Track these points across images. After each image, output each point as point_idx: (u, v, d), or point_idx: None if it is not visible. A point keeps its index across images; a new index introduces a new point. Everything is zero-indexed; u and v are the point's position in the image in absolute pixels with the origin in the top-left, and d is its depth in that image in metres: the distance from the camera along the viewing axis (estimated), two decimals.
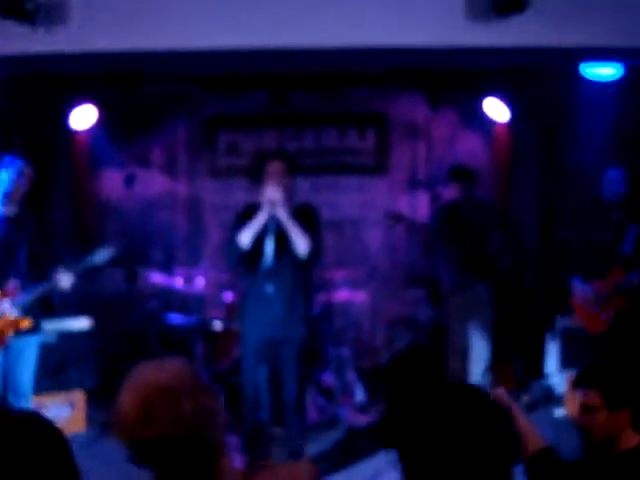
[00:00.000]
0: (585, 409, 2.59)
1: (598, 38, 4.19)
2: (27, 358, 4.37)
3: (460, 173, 5.94)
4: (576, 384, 2.66)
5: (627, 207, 5.01)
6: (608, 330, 4.90)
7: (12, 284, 4.23)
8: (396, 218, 6.72)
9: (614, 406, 2.55)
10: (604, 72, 4.97)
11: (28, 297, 4.24)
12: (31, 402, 4.45)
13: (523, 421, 2.35)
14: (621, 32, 4.20)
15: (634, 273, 4.77)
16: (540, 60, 4.51)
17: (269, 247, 4.22)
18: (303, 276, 4.43)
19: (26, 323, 4.24)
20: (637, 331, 4.71)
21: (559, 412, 5.30)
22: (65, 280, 4.26)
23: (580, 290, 5.16)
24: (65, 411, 5.19)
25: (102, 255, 4.41)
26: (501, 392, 2.24)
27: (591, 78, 5.07)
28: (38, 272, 4.32)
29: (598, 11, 4.15)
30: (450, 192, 5.95)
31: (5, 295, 4.21)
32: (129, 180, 7.32)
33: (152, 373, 1.75)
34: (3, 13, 3.75)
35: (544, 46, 4.06)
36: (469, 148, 7.21)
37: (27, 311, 4.25)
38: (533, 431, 2.41)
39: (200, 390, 1.74)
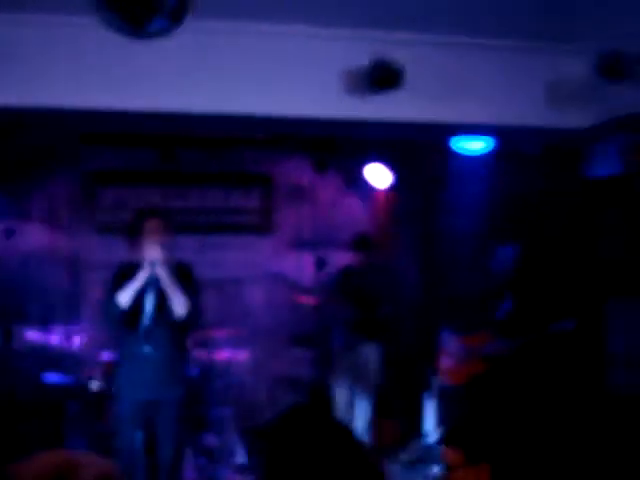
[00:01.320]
0: (448, 466, 2.70)
1: (469, 115, 4.48)
2: None
3: (363, 243, 6.22)
4: (439, 444, 2.78)
5: (511, 281, 5.30)
6: (465, 389, 5.13)
7: None
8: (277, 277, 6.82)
9: (474, 462, 2.68)
10: (474, 146, 5.28)
11: None
12: None
13: None
14: (491, 110, 4.50)
15: (500, 341, 5.02)
16: (414, 134, 4.75)
17: (148, 307, 4.19)
18: (180, 336, 4.41)
19: None
20: (492, 394, 4.93)
21: (436, 470, 5.42)
22: None
23: (448, 342, 5.41)
24: None
25: None
26: None
27: (462, 151, 5.37)
28: None
29: (469, 89, 4.44)
30: (350, 257, 6.20)
31: None
32: (7, 233, 7.10)
33: None
34: None
35: (417, 121, 4.30)
36: (352, 212, 7.43)
37: None
38: None
39: None
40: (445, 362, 5.48)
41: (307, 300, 6.74)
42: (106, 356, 5.94)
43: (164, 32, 3.39)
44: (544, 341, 4.93)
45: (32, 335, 6.28)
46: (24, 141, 6.78)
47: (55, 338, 6.17)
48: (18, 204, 7.13)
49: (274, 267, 7.31)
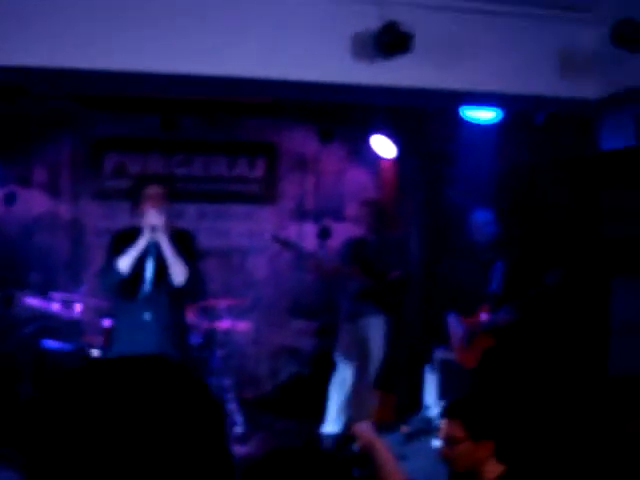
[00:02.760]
0: (449, 440, 2.65)
1: (479, 83, 4.38)
2: None
3: (372, 207, 6.15)
4: (441, 416, 2.73)
5: (496, 246, 5.22)
6: (478, 366, 5.08)
7: None
8: (283, 243, 6.74)
9: (477, 437, 2.63)
10: (484, 115, 5.18)
11: None
12: None
13: (386, 454, 2.39)
14: (501, 78, 4.40)
15: (501, 311, 4.96)
16: (422, 101, 4.66)
17: (148, 273, 4.15)
18: (179, 303, 4.37)
19: None
20: (502, 368, 4.89)
21: (437, 443, 5.40)
22: None
23: (453, 326, 5.34)
24: None
25: None
26: (366, 427, 2.27)
27: (471, 120, 5.27)
28: None
29: (480, 57, 4.34)
30: (356, 227, 6.14)
31: None
32: (9, 199, 7.05)
33: None
34: None
35: (426, 88, 4.20)
36: (357, 182, 7.36)
37: None
38: (395, 465, 2.44)
39: None
40: (454, 347, 5.41)
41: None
42: (107, 323, 5.90)
43: None
44: (542, 297, 4.87)
45: (33, 302, 6.24)
46: (26, 105, 6.70)
47: (56, 305, 6.12)
48: (19, 170, 7.07)
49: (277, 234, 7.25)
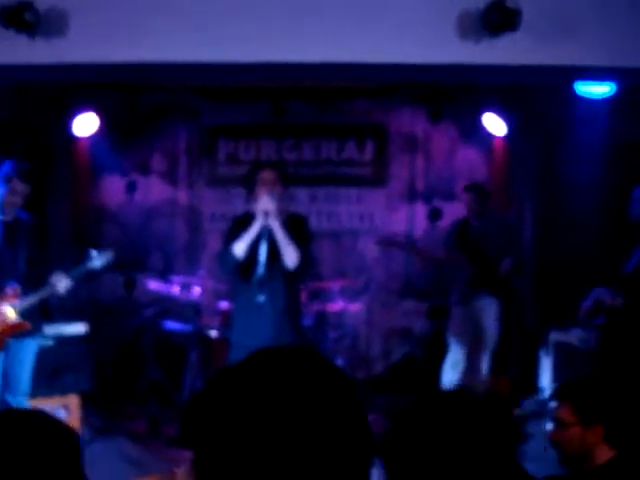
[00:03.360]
0: (559, 424, 2.63)
1: (590, 58, 4.24)
2: (26, 360, 4.45)
3: (478, 192, 6.06)
4: (551, 399, 2.71)
5: None
6: (596, 347, 4.94)
7: (11, 289, 4.30)
8: (389, 244, 6.76)
9: (588, 421, 2.59)
10: (597, 90, 5.02)
11: (27, 301, 4.31)
12: (28, 404, 4.51)
13: None
14: (613, 52, 4.24)
15: (622, 294, 4.78)
16: (533, 78, 4.55)
17: (262, 257, 4.26)
18: (293, 286, 4.48)
19: (26, 327, 4.30)
20: (619, 349, 4.74)
21: (550, 426, 5.31)
22: (62, 284, 4.33)
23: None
24: (60, 415, 5.23)
25: (100, 260, 4.49)
26: None
27: (584, 95, 5.12)
28: (37, 277, 4.40)
29: (590, 31, 4.20)
30: (465, 206, 6.07)
31: (5, 299, 4.28)
32: (130, 187, 7.38)
33: None
34: (4, 23, 3.81)
35: (536, 65, 4.11)
36: (468, 162, 7.27)
37: (26, 315, 4.32)
38: None
39: None
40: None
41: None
42: (224, 305, 6.12)
43: None
44: None
45: (153, 285, 6.53)
46: (146, 98, 6.99)
47: (175, 288, 6.37)
48: (139, 159, 7.38)
49: (387, 221, 7.27)
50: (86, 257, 4.50)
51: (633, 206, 4.98)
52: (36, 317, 4.42)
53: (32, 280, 4.39)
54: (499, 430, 1.66)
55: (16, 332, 4.29)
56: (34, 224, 4.58)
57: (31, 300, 4.32)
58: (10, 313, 4.26)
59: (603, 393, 2.67)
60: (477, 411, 1.70)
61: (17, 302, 4.30)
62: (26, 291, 4.34)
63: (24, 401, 4.45)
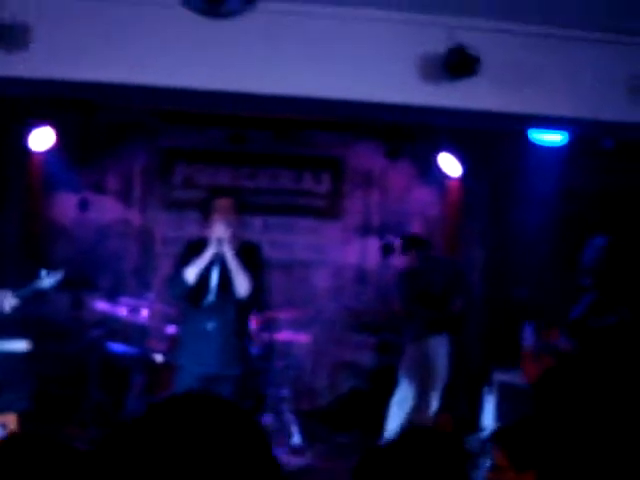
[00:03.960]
0: (494, 467, 2.65)
1: (545, 106, 4.36)
2: None
3: (415, 243, 6.14)
4: (489, 442, 2.73)
5: (598, 275, 5.09)
6: (536, 385, 5.00)
7: None
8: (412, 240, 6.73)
9: (520, 467, 2.60)
10: (551, 138, 5.15)
11: None
12: None
13: None
14: (568, 102, 4.38)
15: (573, 339, 4.86)
16: (488, 123, 4.66)
17: (213, 283, 4.25)
18: (243, 314, 4.46)
19: None
20: (559, 392, 4.80)
21: (489, 465, 5.35)
22: (7, 303, 4.22)
23: (527, 336, 5.23)
24: None
25: (49, 281, 4.38)
26: None
27: (538, 142, 5.24)
28: None
29: (546, 81, 4.33)
30: (407, 260, 6.14)
31: None
32: (83, 205, 7.28)
33: None
34: None
35: (493, 110, 4.21)
36: (422, 200, 7.37)
37: None
38: None
39: None
40: (522, 359, 5.32)
41: None
42: (171, 329, 6.06)
43: (237, 12, 3.41)
44: (616, 331, 4.76)
45: (101, 305, 6.43)
46: (105, 117, 6.93)
47: (123, 309, 6.30)
48: (93, 177, 7.30)
49: (340, 254, 7.30)
50: (36, 277, 4.40)
51: (585, 254, 5.11)
52: None
53: None
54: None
55: None
56: None
57: None
58: None
59: (536, 439, 2.69)
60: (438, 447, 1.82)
61: None
62: None
63: None
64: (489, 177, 6.99)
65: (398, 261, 6.78)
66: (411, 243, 6.18)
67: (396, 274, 6.42)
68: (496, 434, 2.74)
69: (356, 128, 7.09)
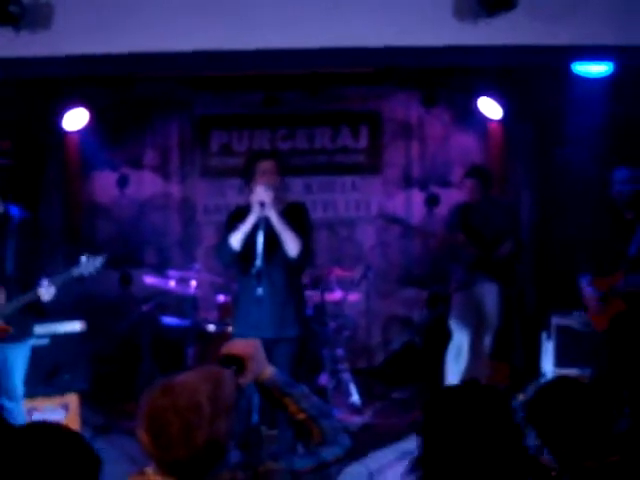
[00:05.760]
0: None
1: (588, 36, 4.16)
2: (16, 366, 4.30)
3: (479, 174, 5.96)
4: None
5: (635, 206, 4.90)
6: (607, 331, 4.87)
7: None
8: (390, 220, 6.73)
9: None
10: (595, 69, 4.94)
11: (11, 307, 4.18)
12: (23, 405, 4.43)
13: None
14: (612, 30, 4.17)
15: (634, 276, 4.71)
16: (530, 58, 4.47)
17: (259, 248, 4.18)
18: (294, 276, 4.41)
19: (7, 330, 4.15)
20: (634, 335, 4.67)
21: None
22: (47, 293, 4.16)
23: (585, 288, 5.10)
24: (59, 414, 5.16)
25: (87, 268, 4.30)
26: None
27: (582, 75, 5.04)
28: (26, 275, 4.24)
29: (588, 9, 4.12)
30: (465, 192, 5.98)
31: None
32: (122, 182, 7.29)
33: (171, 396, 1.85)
34: None
35: (534, 44, 4.04)
36: (463, 146, 7.20)
37: (12, 319, 4.17)
38: None
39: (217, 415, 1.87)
40: (587, 310, 5.19)
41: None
42: (221, 298, 6.04)
43: None
44: None
45: (149, 280, 6.44)
46: (137, 91, 6.89)
47: (172, 282, 6.29)
48: (130, 153, 7.29)
49: (384, 208, 7.19)
50: (75, 263, 4.32)
51: (615, 188, 4.92)
52: (24, 320, 4.27)
53: (20, 279, 4.24)
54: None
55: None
56: (25, 220, 4.40)
57: (15, 305, 4.18)
58: None
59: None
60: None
61: (1, 307, 4.17)
62: (13, 290, 4.20)
63: (20, 405, 4.36)
64: (532, 116, 6.77)
65: (444, 210, 6.66)
66: (475, 172, 6.01)
67: (450, 209, 6.27)
68: None
69: (389, 78, 6.93)
